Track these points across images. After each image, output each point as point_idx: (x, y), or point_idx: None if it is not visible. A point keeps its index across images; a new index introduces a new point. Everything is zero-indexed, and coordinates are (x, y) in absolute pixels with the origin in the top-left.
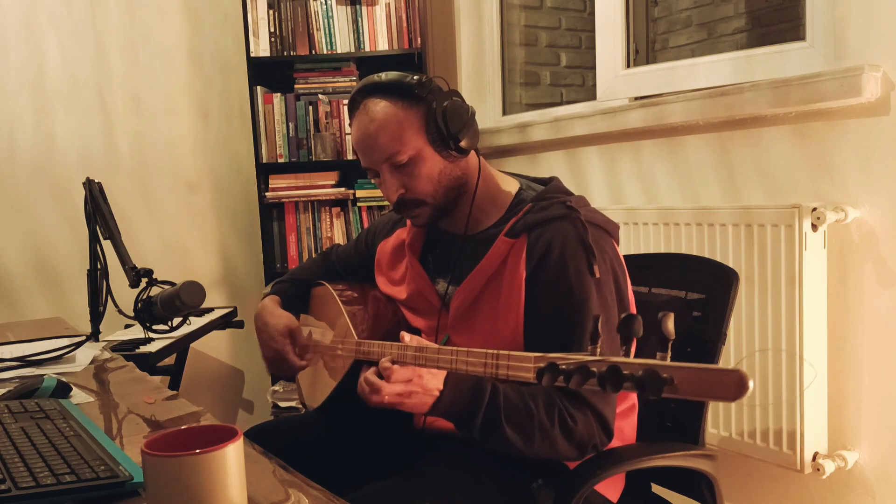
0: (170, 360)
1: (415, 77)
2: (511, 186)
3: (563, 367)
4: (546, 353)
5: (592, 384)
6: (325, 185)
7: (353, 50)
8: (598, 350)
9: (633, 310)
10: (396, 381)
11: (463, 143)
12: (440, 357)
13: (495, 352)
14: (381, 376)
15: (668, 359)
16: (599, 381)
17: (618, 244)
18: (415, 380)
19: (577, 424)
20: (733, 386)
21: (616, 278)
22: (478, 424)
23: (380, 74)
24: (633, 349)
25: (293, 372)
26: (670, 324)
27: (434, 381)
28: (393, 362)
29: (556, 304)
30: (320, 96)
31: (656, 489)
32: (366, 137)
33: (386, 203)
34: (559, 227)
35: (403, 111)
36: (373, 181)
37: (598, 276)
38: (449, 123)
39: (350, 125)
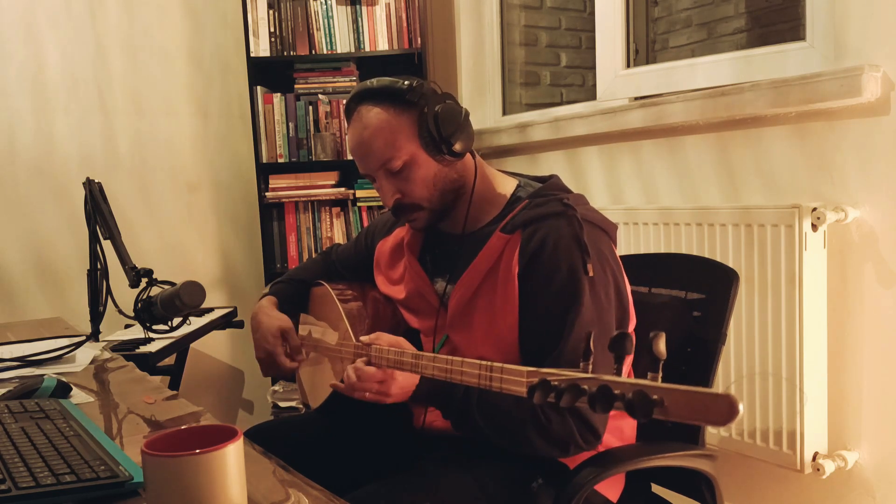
0: (170, 360)
1: (405, 82)
2: (509, 185)
3: (555, 383)
4: (539, 368)
5: (583, 402)
6: (325, 185)
7: (353, 50)
8: (591, 366)
9: (632, 310)
10: (370, 381)
11: (456, 147)
12: (435, 365)
13: (489, 363)
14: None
15: (660, 379)
16: (590, 401)
17: (615, 244)
18: (388, 381)
19: (552, 423)
20: (724, 410)
21: (615, 278)
22: (451, 416)
23: (372, 80)
24: (626, 365)
25: (284, 373)
26: (662, 344)
27: (408, 379)
28: (367, 363)
29: (548, 301)
30: (320, 96)
31: (656, 489)
32: (360, 144)
33: None
34: (554, 224)
35: (395, 117)
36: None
37: (591, 274)
38: (441, 127)
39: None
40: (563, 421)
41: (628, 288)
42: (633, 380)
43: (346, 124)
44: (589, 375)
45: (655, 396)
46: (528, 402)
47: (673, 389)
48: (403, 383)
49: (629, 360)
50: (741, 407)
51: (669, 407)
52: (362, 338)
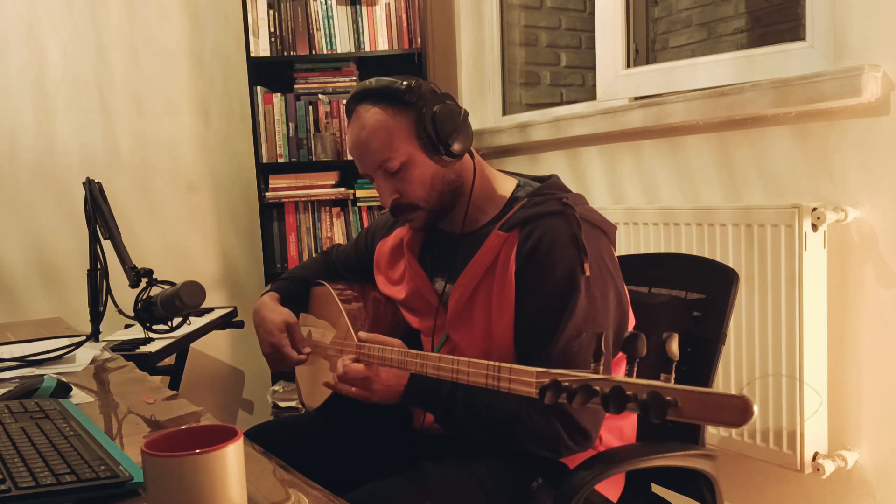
0: (170, 360)
1: (403, 82)
2: (508, 184)
3: (566, 384)
4: (549, 369)
5: (595, 403)
6: (325, 185)
7: (353, 50)
8: (602, 367)
9: (630, 311)
10: (354, 377)
11: (454, 148)
12: (441, 365)
13: (497, 364)
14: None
15: (672, 380)
16: (603, 402)
17: (614, 245)
18: (372, 377)
19: (535, 424)
20: (738, 411)
21: (612, 279)
22: (436, 414)
23: (371, 80)
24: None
25: (290, 366)
26: (674, 345)
27: (394, 376)
28: (355, 361)
29: (542, 299)
30: (320, 96)
31: (656, 489)
32: (358, 144)
33: None
34: (551, 223)
35: (393, 118)
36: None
37: (587, 273)
38: (438, 128)
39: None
40: (547, 423)
41: (625, 288)
42: (646, 381)
43: (346, 124)
44: (601, 376)
45: (669, 398)
46: (513, 402)
47: (687, 391)
48: (389, 382)
49: (618, 357)
50: (755, 408)
51: (683, 408)
52: (360, 333)
